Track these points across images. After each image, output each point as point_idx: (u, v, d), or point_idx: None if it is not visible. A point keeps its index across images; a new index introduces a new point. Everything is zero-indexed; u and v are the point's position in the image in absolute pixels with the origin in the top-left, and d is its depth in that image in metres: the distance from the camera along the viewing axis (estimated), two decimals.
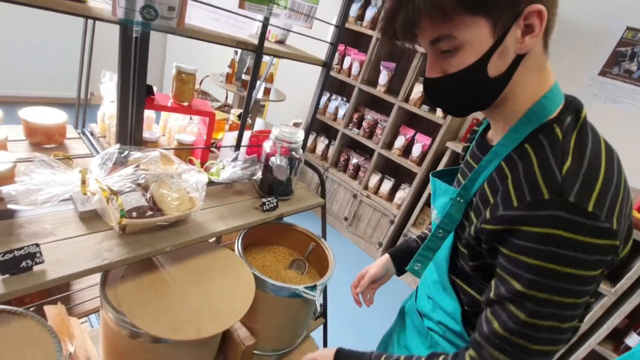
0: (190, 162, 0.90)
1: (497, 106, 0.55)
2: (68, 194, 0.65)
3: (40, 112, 0.93)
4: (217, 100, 2.84)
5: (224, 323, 0.75)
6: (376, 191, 2.69)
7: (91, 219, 0.74)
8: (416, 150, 2.41)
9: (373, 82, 2.66)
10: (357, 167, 2.80)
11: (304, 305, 1.02)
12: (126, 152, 0.76)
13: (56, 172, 0.65)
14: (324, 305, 1.28)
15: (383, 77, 2.51)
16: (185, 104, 0.93)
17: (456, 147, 2.20)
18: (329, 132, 3.07)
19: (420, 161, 2.42)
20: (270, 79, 2.94)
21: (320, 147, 3.00)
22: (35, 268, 0.59)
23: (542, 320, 0.48)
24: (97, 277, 1.12)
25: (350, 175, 2.84)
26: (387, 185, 2.62)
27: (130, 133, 0.80)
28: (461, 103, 0.57)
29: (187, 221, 0.84)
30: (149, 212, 0.74)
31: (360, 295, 0.97)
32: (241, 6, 0.84)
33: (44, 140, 0.93)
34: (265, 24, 0.91)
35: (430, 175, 0.76)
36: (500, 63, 0.49)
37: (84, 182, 0.67)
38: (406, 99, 2.42)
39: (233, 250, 0.96)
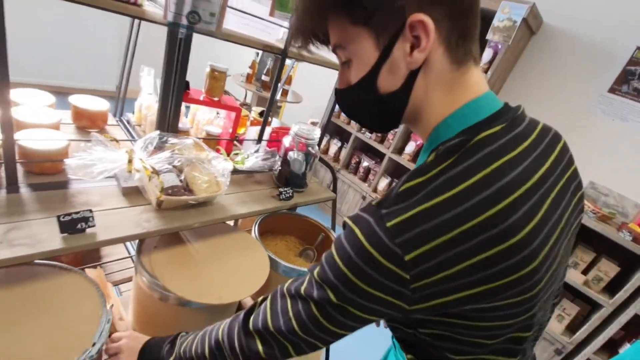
0: (217, 151, 1.00)
1: (412, 124, 0.50)
2: (117, 170, 0.76)
3: (87, 100, 1.05)
4: (237, 99, 2.97)
5: (242, 293, 0.84)
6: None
7: (131, 194, 0.85)
8: None
9: None
10: (368, 170, 2.88)
11: None
12: (165, 138, 0.86)
13: (107, 151, 0.76)
14: None
15: None
16: (216, 99, 1.04)
17: None
18: (343, 134, 3.16)
19: None
20: (288, 81, 3.05)
21: (333, 149, 3.09)
22: (88, 230, 0.69)
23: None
24: (124, 252, 1.23)
25: (360, 178, 2.92)
26: None
27: (168, 122, 0.91)
28: (366, 118, 0.53)
29: (213, 203, 0.93)
30: (182, 192, 0.85)
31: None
32: (271, 14, 0.94)
33: (89, 125, 1.05)
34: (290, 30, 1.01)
35: None
36: (392, 79, 0.45)
37: (130, 161, 0.77)
38: None
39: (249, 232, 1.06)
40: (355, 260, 0.41)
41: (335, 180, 1.30)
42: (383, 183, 2.74)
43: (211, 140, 1.10)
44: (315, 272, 0.47)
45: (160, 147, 0.86)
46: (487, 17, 2.12)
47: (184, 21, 0.79)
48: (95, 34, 3.41)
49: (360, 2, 0.42)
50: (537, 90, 2.27)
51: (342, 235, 0.44)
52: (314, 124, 1.36)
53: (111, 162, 0.75)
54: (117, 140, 0.83)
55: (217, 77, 1.00)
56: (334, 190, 1.28)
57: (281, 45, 1.03)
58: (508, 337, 0.46)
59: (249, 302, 1.06)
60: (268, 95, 2.86)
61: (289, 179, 1.15)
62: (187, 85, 0.99)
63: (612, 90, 2.04)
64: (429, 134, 0.48)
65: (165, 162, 0.83)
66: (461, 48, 0.44)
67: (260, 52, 3.27)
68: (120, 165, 0.76)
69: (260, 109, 1.46)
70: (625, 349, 1.73)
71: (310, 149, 1.12)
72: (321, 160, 1.28)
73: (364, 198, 2.84)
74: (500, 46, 2.12)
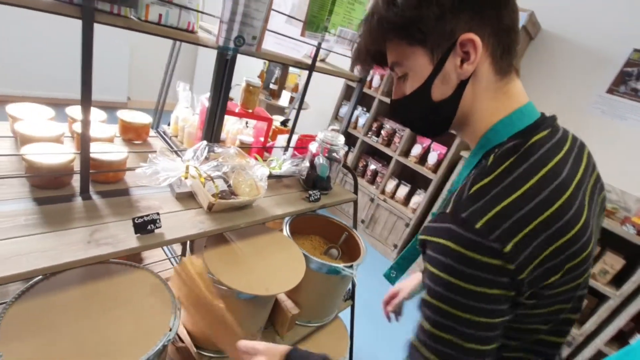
0: (255, 158, 1.10)
1: (460, 129, 0.57)
2: (176, 178, 0.86)
3: (132, 114, 1.15)
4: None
5: (285, 286, 0.93)
6: (392, 196, 2.86)
7: (184, 199, 0.95)
8: (432, 158, 2.58)
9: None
10: (375, 173, 2.98)
11: (339, 282, 1.20)
12: (212, 148, 0.96)
13: (169, 160, 0.86)
14: (352, 290, 1.46)
15: None
16: (250, 110, 1.14)
17: None
18: (349, 139, 3.27)
19: (435, 168, 2.60)
20: (295, 88, 3.17)
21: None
22: (157, 231, 0.79)
23: (441, 331, 0.46)
24: (162, 255, 1.33)
25: (368, 180, 3.02)
26: (403, 190, 2.80)
27: (212, 133, 1.01)
28: (418, 124, 0.60)
29: (253, 205, 1.03)
30: (229, 196, 0.94)
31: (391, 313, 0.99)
32: (302, 34, 1.04)
33: (134, 137, 1.15)
34: (318, 48, 1.12)
35: None
36: (444, 88, 0.52)
37: (187, 169, 0.87)
38: None
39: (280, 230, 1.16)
40: (459, 268, 0.43)
41: (356, 182, 1.40)
42: (391, 185, 2.84)
43: (244, 149, 1.20)
44: (423, 304, 0.48)
45: (207, 157, 0.96)
46: None
47: (231, 44, 0.89)
48: (105, 47, 3.53)
49: (417, 26, 0.50)
50: (537, 94, 2.38)
51: (431, 254, 0.47)
52: (335, 131, 1.46)
53: (172, 170, 0.85)
54: (176, 152, 0.93)
55: (251, 91, 1.10)
56: (355, 191, 1.38)
57: (308, 61, 1.13)
58: (562, 318, 0.51)
59: (283, 301, 1.15)
60: (277, 102, 2.96)
61: (315, 182, 1.25)
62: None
63: (610, 91, 2.15)
64: (478, 138, 0.54)
65: (215, 169, 0.93)
66: (505, 61, 0.51)
67: (268, 62, 3.39)
68: (179, 173, 0.86)
69: (280, 117, 1.56)
70: (636, 339, 1.81)
71: (334, 154, 1.22)
72: (344, 165, 1.38)
73: (372, 200, 2.94)
74: None
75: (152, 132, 1.29)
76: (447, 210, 0.48)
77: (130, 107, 1.28)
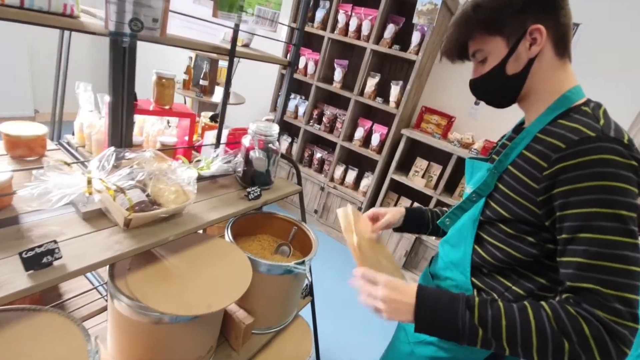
0: (178, 160, 0.97)
1: (525, 99, 0.71)
2: (75, 195, 0.71)
3: (20, 126, 0.95)
4: None
5: (230, 297, 0.84)
6: (342, 182, 2.85)
7: (94, 218, 0.80)
8: (375, 140, 2.60)
9: (329, 79, 2.81)
10: (322, 161, 2.94)
11: (293, 281, 1.13)
12: (121, 154, 0.82)
13: (62, 175, 0.71)
14: (310, 285, 1.40)
15: (338, 74, 2.67)
16: (167, 107, 1.00)
17: (410, 133, 2.42)
18: (291, 130, 3.18)
19: (379, 149, 2.62)
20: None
21: (284, 145, 3.09)
22: (56, 263, 0.64)
23: (618, 236, 0.53)
24: (87, 285, 1.15)
25: (315, 170, 2.97)
26: (352, 175, 2.79)
27: (121, 136, 0.86)
28: (495, 95, 0.75)
29: (182, 214, 0.91)
30: (150, 207, 0.81)
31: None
32: (214, 15, 0.93)
33: (26, 153, 0.95)
34: (236, 30, 1.00)
35: (466, 160, 0.87)
36: (516, 65, 0.67)
37: (89, 182, 0.73)
38: (361, 93, 2.60)
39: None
40: (616, 172, 0.55)
41: (298, 172, 1.32)
42: (339, 171, 2.82)
43: (167, 151, 1.06)
44: (581, 216, 0.56)
45: (117, 165, 0.82)
46: (412, 3, 2.26)
47: (127, 29, 0.75)
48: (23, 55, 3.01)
49: (497, 19, 0.66)
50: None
51: (580, 173, 0.56)
52: (269, 120, 1.37)
53: (68, 186, 0.70)
54: (69, 164, 0.78)
55: (165, 85, 0.97)
56: (299, 182, 1.31)
57: (227, 46, 1.02)
58: None
59: (234, 312, 1.05)
60: (209, 100, 2.77)
61: (253, 178, 1.15)
62: (135, 96, 0.94)
63: None
64: (547, 104, 0.68)
65: (127, 178, 0.79)
66: (562, 46, 0.66)
67: (194, 56, 3.15)
68: (79, 189, 0.71)
69: (209, 113, 1.42)
70: None
71: (270, 145, 1.13)
72: (282, 155, 1.30)
73: (322, 189, 2.90)
74: (425, 29, 2.29)
75: (52, 145, 1.09)
76: (577, 137, 0.58)
77: (40, 120, 1.05)
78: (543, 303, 0.58)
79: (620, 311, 0.52)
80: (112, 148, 0.82)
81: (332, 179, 2.87)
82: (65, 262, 0.66)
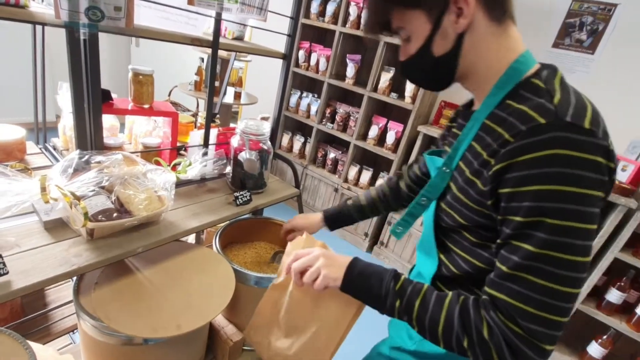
0: (157, 163, 0.89)
1: (466, 78, 0.61)
2: (28, 204, 0.64)
3: None
4: (189, 110, 2.82)
5: (205, 317, 0.75)
6: (356, 182, 2.72)
7: (57, 227, 0.73)
8: (390, 138, 2.45)
9: (341, 76, 2.69)
10: (335, 161, 2.82)
11: None
12: (87, 157, 0.75)
13: (12, 182, 0.64)
14: None
15: (350, 70, 2.54)
16: (146, 106, 0.93)
17: (427, 130, 2.26)
18: (304, 129, 3.09)
19: (395, 148, 2.47)
20: (239, 83, 2.93)
21: (297, 145, 3.01)
22: (0, 279, 0.58)
23: (556, 251, 0.46)
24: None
25: (329, 170, 2.86)
26: (367, 175, 2.66)
27: (90, 138, 0.79)
28: (426, 79, 0.66)
29: (158, 221, 0.83)
30: (116, 214, 0.74)
31: None
32: (190, 2, 0.84)
33: (3, 158, 0.91)
34: (218, 19, 0.92)
35: (423, 155, 0.78)
36: (444, 43, 0.57)
37: (44, 189, 0.66)
38: (375, 89, 2.46)
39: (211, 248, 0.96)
40: (571, 172, 0.45)
41: (295, 174, 1.22)
42: (353, 172, 2.69)
43: (152, 153, 0.99)
44: (517, 225, 0.48)
45: (84, 168, 0.75)
46: None
47: (84, 19, 0.68)
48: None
49: None
50: None
51: (525, 174, 0.47)
52: (264, 119, 1.27)
53: (19, 194, 0.63)
54: (28, 169, 0.71)
55: (142, 82, 0.89)
56: (297, 185, 1.20)
57: (210, 38, 0.93)
58: None
59: (222, 327, 0.96)
60: (222, 101, 2.73)
61: (244, 181, 1.06)
62: (107, 95, 0.87)
63: (555, 45, 2.09)
64: (492, 82, 0.57)
65: (90, 184, 0.72)
66: (498, 9, 0.55)
67: (206, 57, 3.13)
68: (31, 197, 0.65)
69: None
70: (612, 293, 1.77)
71: (262, 145, 1.04)
72: (277, 156, 1.20)
73: (336, 190, 2.79)
74: None
75: (35, 149, 1.05)
76: (525, 127, 0.48)
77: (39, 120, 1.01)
78: (462, 296, 0.55)
79: (533, 330, 0.47)
80: (77, 151, 0.76)
81: (346, 180, 2.75)
82: (12, 278, 0.59)
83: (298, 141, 3.00)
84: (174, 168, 0.92)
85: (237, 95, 2.84)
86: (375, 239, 2.72)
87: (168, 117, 0.97)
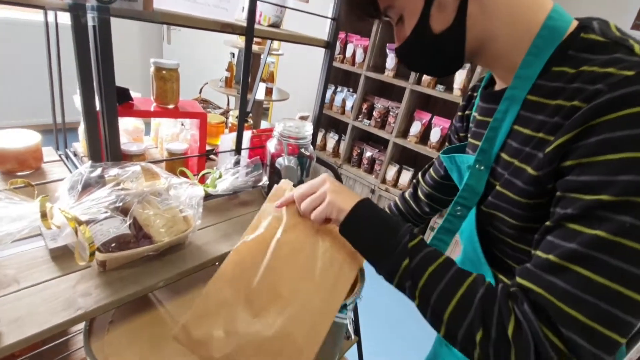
0: (182, 174, 0.76)
1: (480, 53, 0.50)
2: (26, 231, 0.52)
3: (8, 136, 0.81)
4: (220, 107, 2.73)
5: None
6: (395, 184, 2.52)
7: (65, 256, 0.61)
8: (435, 135, 2.22)
9: (380, 68, 2.49)
10: (372, 161, 2.63)
11: (332, 328, 0.86)
12: (99, 171, 0.62)
13: (9, 205, 0.52)
14: (356, 322, 1.12)
15: (391, 61, 2.33)
16: (171, 106, 0.79)
17: None
18: (338, 126, 2.91)
19: (440, 146, 2.24)
20: (271, 78, 2.80)
21: (330, 143, 2.84)
22: None
23: (636, 241, 0.33)
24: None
25: (365, 170, 2.67)
26: (407, 176, 2.45)
27: (106, 147, 0.67)
28: (430, 64, 0.55)
29: (183, 245, 0.69)
30: (132, 242, 0.60)
31: None
32: None
33: (16, 167, 0.81)
34: (252, 1, 0.76)
35: (439, 156, 0.67)
36: (443, 16, 0.47)
37: (44, 215, 0.53)
38: (418, 81, 2.24)
39: None
40: None
41: (340, 181, 1.05)
42: (391, 172, 2.49)
43: (177, 162, 0.86)
44: (588, 204, 0.36)
45: (97, 183, 0.62)
46: None
47: (92, 1, 0.54)
48: (18, 58, 2.98)
49: None
50: None
51: (610, 136, 0.35)
52: (303, 118, 1.11)
53: (16, 220, 0.51)
54: (31, 185, 0.60)
55: (165, 77, 0.75)
56: None
57: (243, 24, 0.78)
58: None
59: None
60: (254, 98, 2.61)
61: None
62: (125, 94, 0.74)
63: (635, 26, 1.81)
64: (523, 49, 0.46)
65: (102, 204, 0.58)
66: None
67: (237, 52, 3.02)
68: (31, 223, 0.52)
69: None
70: None
71: (303, 150, 0.88)
72: (319, 160, 1.04)
73: (372, 191, 2.60)
74: None
75: (55, 155, 0.95)
76: (603, 85, 0.37)
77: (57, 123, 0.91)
78: (488, 281, 0.43)
79: (576, 345, 0.34)
80: (88, 163, 0.63)
81: (383, 181, 2.55)
82: (1, 329, 0.47)
83: (332, 139, 2.83)
84: (202, 179, 0.78)
85: (269, 92, 2.71)
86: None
87: (195, 118, 0.83)
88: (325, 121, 2.92)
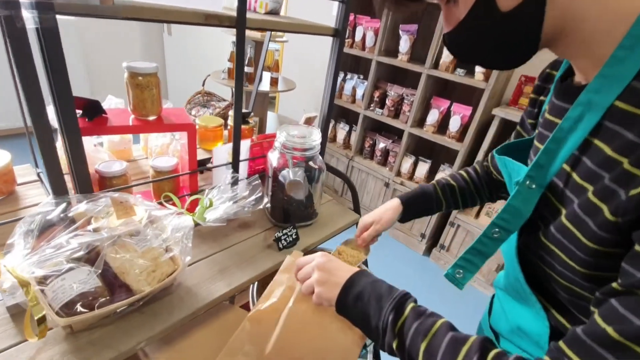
0: (167, 199, 0.64)
1: (559, 40, 0.39)
2: None
3: None
4: (224, 100, 2.60)
5: None
6: (411, 176, 2.36)
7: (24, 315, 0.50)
8: (454, 124, 2.05)
9: (393, 52, 2.30)
10: (386, 152, 2.47)
11: None
12: (62, 207, 0.51)
13: None
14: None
15: (404, 44, 2.14)
16: (152, 117, 0.67)
17: (506, 113, 1.82)
18: (349, 116, 2.75)
19: (460, 136, 2.07)
20: (275, 67, 2.64)
21: (341, 134, 2.69)
22: None
23: None
24: None
25: (378, 162, 2.52)
26: (424, 168, 2.29)
27: (74, 174, 0.55)
28: (491, 52, 0.44)
29: (170, 289, 0.58)
30: (106, 295, 0.49)
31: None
32: None
33: None
34: None
35: (494, 153, 0.56)
36: None
37: None
38: (435, 65, 2.05)
39: (248, 308, 0.71)
40: None
41: (355, 195, 0.92)
42: (407, 164, 2.34)
43: (165, 182, 0.74)
44: None
45: (59, 223, 0.51)
46: None
47: None
48: None
49: None
50: None
51: None
52: (309, 120, 0.98)
53: None
54: None
55: (142, 85, 0.62)
56: (356, 209, 0.90)
57: (233, 13, 0.64)
58: None
59: None
60: (257, 89, 2.46)
61: (288, 211, 0.79)
62: (96, 108, 0.62)
63: None
64: (618, 35, 0.35)
65: (63, 252, 0.47)
66: None
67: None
68: None
69: (245, 110, 1.08)
70: None
71: (311, 163, 0.75)
72: (330, 168, 0.91)
73: (387, 185, 2.45)
74: None
75: (32, 174, 0.84)
76: None
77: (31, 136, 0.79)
78: (493, 350, 0.36)
79: None
80: (49, 198, 0.51)
81: (398, 173, 2.40)
82: None
83: (342, 130, 2.67)
84: (193, 205, 0.66)
85: (274, 82, 2.56)
86: (434, 241, 2.37)
87: (181, 131, 0.70)
88: (335, 111, 2.76)
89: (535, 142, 0.51)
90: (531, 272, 0.47)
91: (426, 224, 2.32)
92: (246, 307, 0.71)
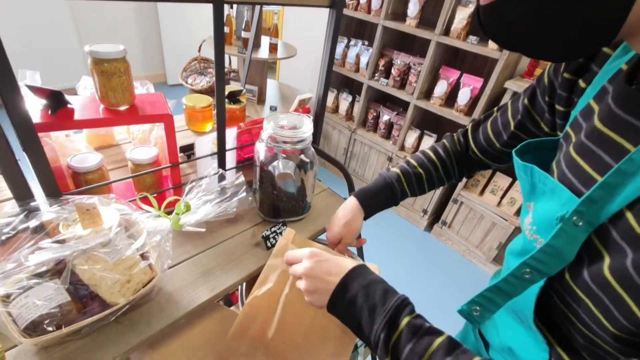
0: (145, 201, 0.59)
1: None
2: None
3: None
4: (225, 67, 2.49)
5: None
6: (415, 151, 2.28)
7: None
8: (463, 97, 1.93)
9: (400, 16, 2.13)
10: (390, 125, 2.38)
11: None
12: (21, 217, 0.46)
13: None
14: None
15: (413, 7, 1.97)
16: (123, 107, 0.60)
17: (519, 87, 1.71)
18: (352, 86, 2.62)
19: (469, 110, 1.96)
20: (275, 32, 2.48)
21: (343, 105, 2.58)
22: None
23: None
24: None
25: (381, 135, 2.43)
26: (429, 142, 2.20)
27: (43, 178, 0.50)
28: (552, 36, 0.32)
29: (150, 296, 0.55)
30: (77, 308, 0.46)
31: None
32: None
33: None
34: None
35: (515, 162, 0.46)
36: None
37: None
38: (446, 32, 1.90)
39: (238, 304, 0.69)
40: None
41: (350, 182, 0.87)
42: (411, 138, 2.25)
43: (146, 176, 0.69)
44: None
45: (21, 234, 0.47)
46: None
47: None
48: None
49: None
50: None
51: None
52: (303, 103, 0.91)
53: None
54: None
55: (108, 72, 0.56)
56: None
57: None
58: None
59: None
60: (255, 56, 2.33)
61: (278, 206, 0.74)
62: (59, 100, 0.56)
63: None
64: None
65: (23, 269, 0.44)
66: None
67: (236, 4, 2.67)
68: None
69: (235, 87, 1.00)
70: None
71: (302, 156, 0.69)
72: (324, 155, 0.85)
73: (390, 159, 2.39)
74: None
75: None
76: None
77: None
78: None
79: None
80: (10, 203, 0.47)
81: (402, 148, 2.33)
82: None
83: (345, 100, 2.56)
84: (173, 204, 0.61)
85: (273, 48, 2.42)
86: (436, 217, 2.34)
87: (156, 122, 0.64)
88: (337, 80, 2.63)
89: (572, 152, 0.40)
90: (546, 306, 0.41)
91: (429, 200, 2.28)
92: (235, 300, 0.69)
